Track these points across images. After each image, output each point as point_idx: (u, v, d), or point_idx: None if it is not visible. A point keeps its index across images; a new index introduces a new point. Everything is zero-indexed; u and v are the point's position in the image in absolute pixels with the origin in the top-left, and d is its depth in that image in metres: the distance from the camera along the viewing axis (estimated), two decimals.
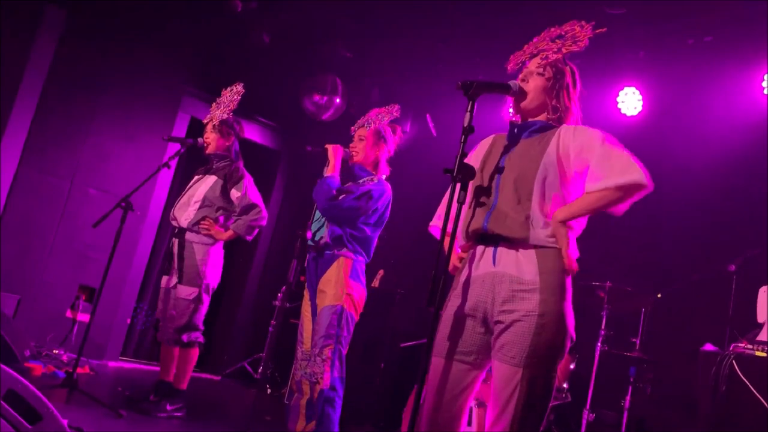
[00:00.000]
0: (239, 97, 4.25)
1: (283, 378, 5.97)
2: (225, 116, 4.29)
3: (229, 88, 4.33)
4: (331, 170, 3.61)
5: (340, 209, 3.50)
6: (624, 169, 2.12)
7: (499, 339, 2.13)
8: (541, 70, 2.33)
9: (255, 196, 4.31)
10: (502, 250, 2.19)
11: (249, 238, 4.32)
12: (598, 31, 2.31)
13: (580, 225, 2.24)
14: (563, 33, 2.37)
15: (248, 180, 4.31)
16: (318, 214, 3.69)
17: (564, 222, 2.14)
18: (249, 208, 4.26)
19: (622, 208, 2.19)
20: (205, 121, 4.41)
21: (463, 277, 2.26)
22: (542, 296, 2.10)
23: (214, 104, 4.39)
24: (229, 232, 4.24)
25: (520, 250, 2.16)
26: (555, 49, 2.34)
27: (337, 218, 3.53)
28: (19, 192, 5.38)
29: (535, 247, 2.15)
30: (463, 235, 2.29)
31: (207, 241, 4.19)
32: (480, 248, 2.25)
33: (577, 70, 2.41)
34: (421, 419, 2.21)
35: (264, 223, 4.34)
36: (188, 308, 4.12)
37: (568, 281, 2.18)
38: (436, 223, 2.54)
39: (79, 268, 5.63)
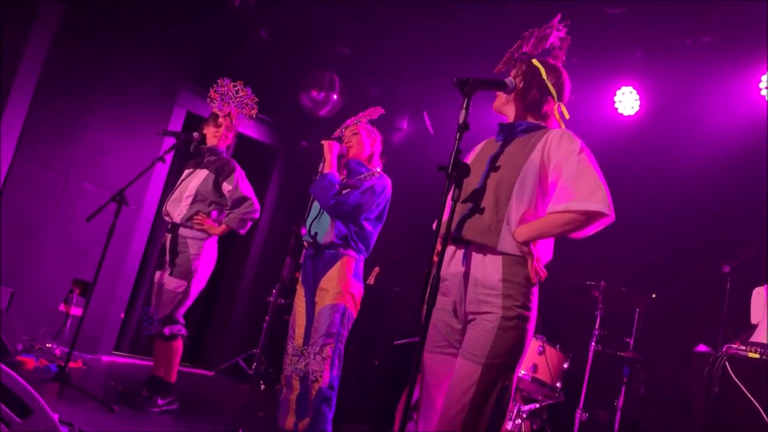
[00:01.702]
0: (252, 103, 4.30)
1: (276, 374, 5.96)
2: (228, 111, 4.31)
3: (233, 84, 4.34)
4: (329, 166, 3.58)
5: (345, 205, 3.46)
6: (588, 195, 2.10)
7: (465, 336, 2.19)
8: (522, 68, 2.37)
9: (247, 189, 4.29)
10: (471, 252, 2.22)
11: (242, 231, 4.30)
12: (567, 22, 2.33)
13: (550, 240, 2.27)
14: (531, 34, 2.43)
15: (240, 173, 4.30)
16: (315, 211, 3.65)
17: (526, 242, 2.15)
18: (241, 201, 4.25)
19: (583, 234, 2.19)
20: (218, 112, 4.39)
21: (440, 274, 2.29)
22: (505, 302, 2.13)
23: (218, 97, 4.37)
24: (222, 227, 4.23)
25: (488, 254, 2.19)
26: (528, 45, 2.39)
27: (341, 215, 3.50)
28: (14, 186, 5.35)
29: (503, 254, 2.17)
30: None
31: (200, 236, 4.18)
32: (452, 248, 2.28)
33: (558, 63, 2.43)
34: (418, 413, 2.24)
35: (257, 216, 4.33)
36: (173, 300, 4.10)
37: (534, 290, 2.20)
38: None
39: (73, 262, 5.61)
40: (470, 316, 2.19)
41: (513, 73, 2.39)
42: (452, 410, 2.09)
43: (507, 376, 2.12)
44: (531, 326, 2.17)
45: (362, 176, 3.62)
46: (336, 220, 3.52)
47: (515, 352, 2.13)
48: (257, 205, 4.32)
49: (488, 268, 2.17)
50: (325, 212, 3.58)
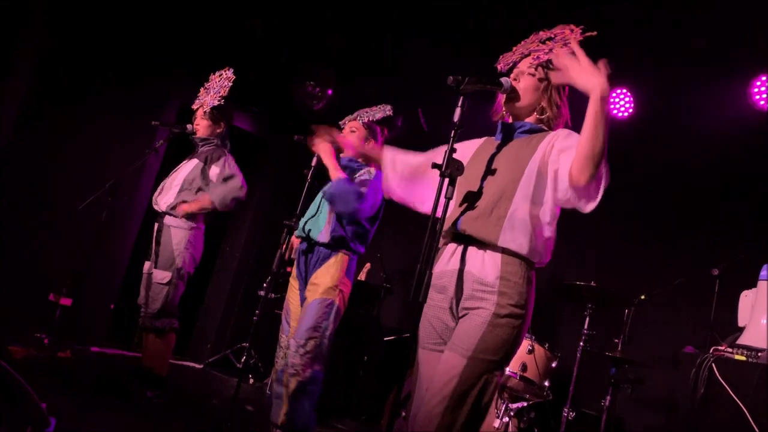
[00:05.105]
0: (230, 83, 4.20)
1: (265, 368, 5.97)
2: (216, 103, 4.25)
3: (218, 73, 4.29)
4: (337, 170, 3.46)
5: (363, 211, 3.43)
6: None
7: (454, 331, 2.18)
8: (532, 70, 2.34)
9: (233, 169, 4.22)
10: (471, 249, 2.21)
11: (223, 208, 4.17)
12: (587, 34, 2.30)
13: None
14: (553, 36, 2.38)
15: (229, 157, 4.26)
16: (313, 209, 3.61)
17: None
18: (227, 178, 4.18)
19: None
20: (194, 107, 4.37)
21: (434, 271, 2.28)
22: (500, 300, 2.12)
23: (202, 89, 4.35)
24: (200, 202, 4.13)
25: (488, 251, 2.18)
26: (546, 50, 2.34)
27: (356, 219, 3.47)
28: (6, 174, 5.32)
29: (503, 251, 2.16)
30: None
31: (185, 225, 4.15)
32: (452, 245, 2.28)
33: None
34: (412, 408, 2.24)
35: (241, 195, 4.21)
36: (161, 292, 4.08)
37: (531, 291, 2.19)
38: None
39: (64, 252, 5.58)
40: (463, 312, 2.18)
41: (515, 74, 2.37)
42: (432, 401, 2.08)
43: (491, 373, 2.10)
44: (524, 326, 2.16)
45: (359, 176, 3.57)
46: (336, 221, 3.48)
47: (503, 349, 2.11)
48: (244, 184, 4.20)
49: (486, 265, 2.16)
50: (321, 212, 3.53)
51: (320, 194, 3.64)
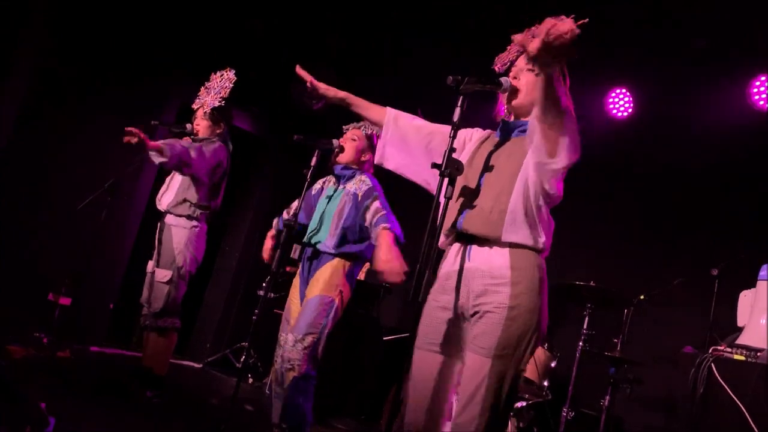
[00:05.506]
0: (231, 84, 4.19)
1: (265, 368, 5.97)
2: (217, 104, 4.24)
3: (219, 73, 4.29)
4: (390, 234, 3.37)
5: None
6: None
7: (472, 330, 2.17)
8: (530, 66, 2.33)
9: (213, 148, 4.18)
10: (476, 248, 2.22)
11: (165, 157, 3.96)
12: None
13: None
14: None
15: (219, 144, 4.26)
16: (314, 224, 3.57)
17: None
18: (202, 142, 4.15)
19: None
20: (194, 107, 4.37)
21: (441, 272, 2.30)
22: (513, 290, 2.13)
23: (202, 88, 4.34)
24: (155, 142, 3.98)
25: (494, 247, 2.19)
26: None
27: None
28: (5, 174, 5.32)
29: (509, 245, 2.17)
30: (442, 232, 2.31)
31: (185, 224, 4.16)
32: (456, 245, 2.28)
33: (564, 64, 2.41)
34: (404, 411, 2.24)
35: (194, 159, 4.04)
36: (162, 291, 4.08)
37: (544, 278, 2.20)
38: None
39: (63, 252, 5.58)
40: (476, 309, 2.17)
41: (514, 72, 2.37)
42: (469, 404, 2.09)
43: (517, 365, 2.13)
44: (543, 312, 2.16)
45: (366, 191, 3.51)
46: (336, 236, 3.48)
47: (525, 340, 2.12)
48: (206, 158, 4.10)
49: (495, 259, 2.17)
50: (323, 226, 3.52)
51: (322, 205, 3.63)
